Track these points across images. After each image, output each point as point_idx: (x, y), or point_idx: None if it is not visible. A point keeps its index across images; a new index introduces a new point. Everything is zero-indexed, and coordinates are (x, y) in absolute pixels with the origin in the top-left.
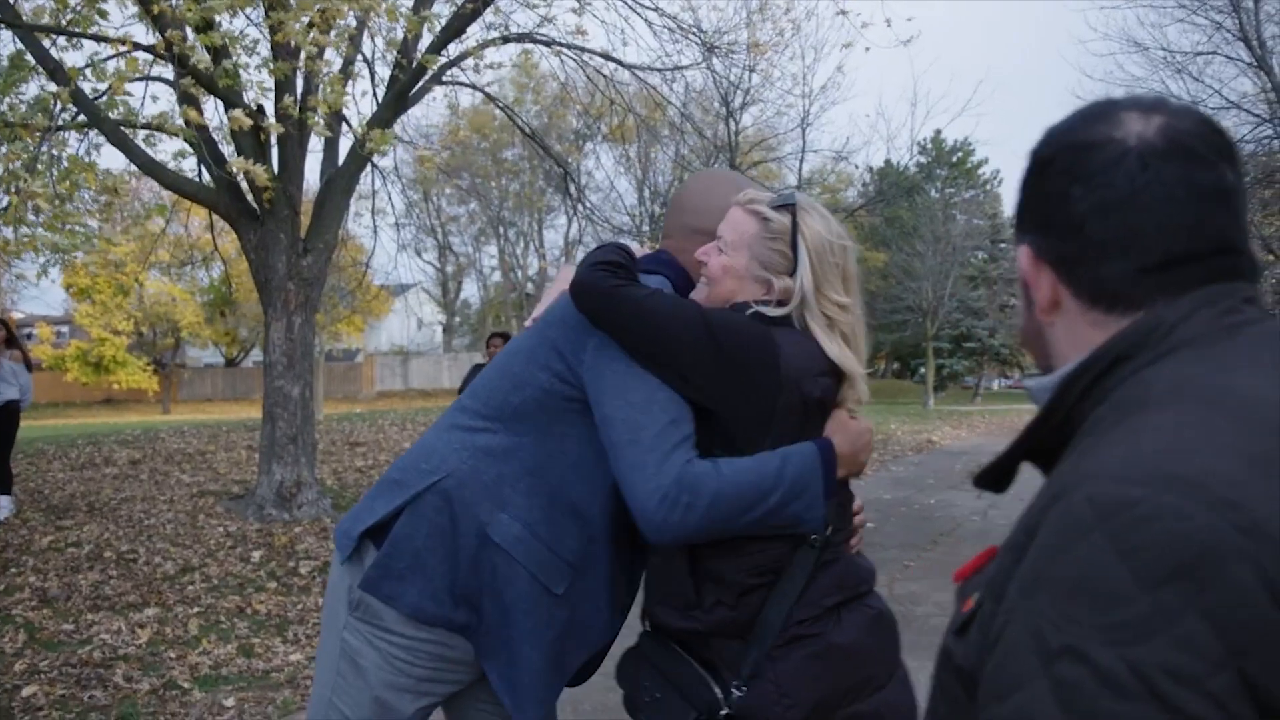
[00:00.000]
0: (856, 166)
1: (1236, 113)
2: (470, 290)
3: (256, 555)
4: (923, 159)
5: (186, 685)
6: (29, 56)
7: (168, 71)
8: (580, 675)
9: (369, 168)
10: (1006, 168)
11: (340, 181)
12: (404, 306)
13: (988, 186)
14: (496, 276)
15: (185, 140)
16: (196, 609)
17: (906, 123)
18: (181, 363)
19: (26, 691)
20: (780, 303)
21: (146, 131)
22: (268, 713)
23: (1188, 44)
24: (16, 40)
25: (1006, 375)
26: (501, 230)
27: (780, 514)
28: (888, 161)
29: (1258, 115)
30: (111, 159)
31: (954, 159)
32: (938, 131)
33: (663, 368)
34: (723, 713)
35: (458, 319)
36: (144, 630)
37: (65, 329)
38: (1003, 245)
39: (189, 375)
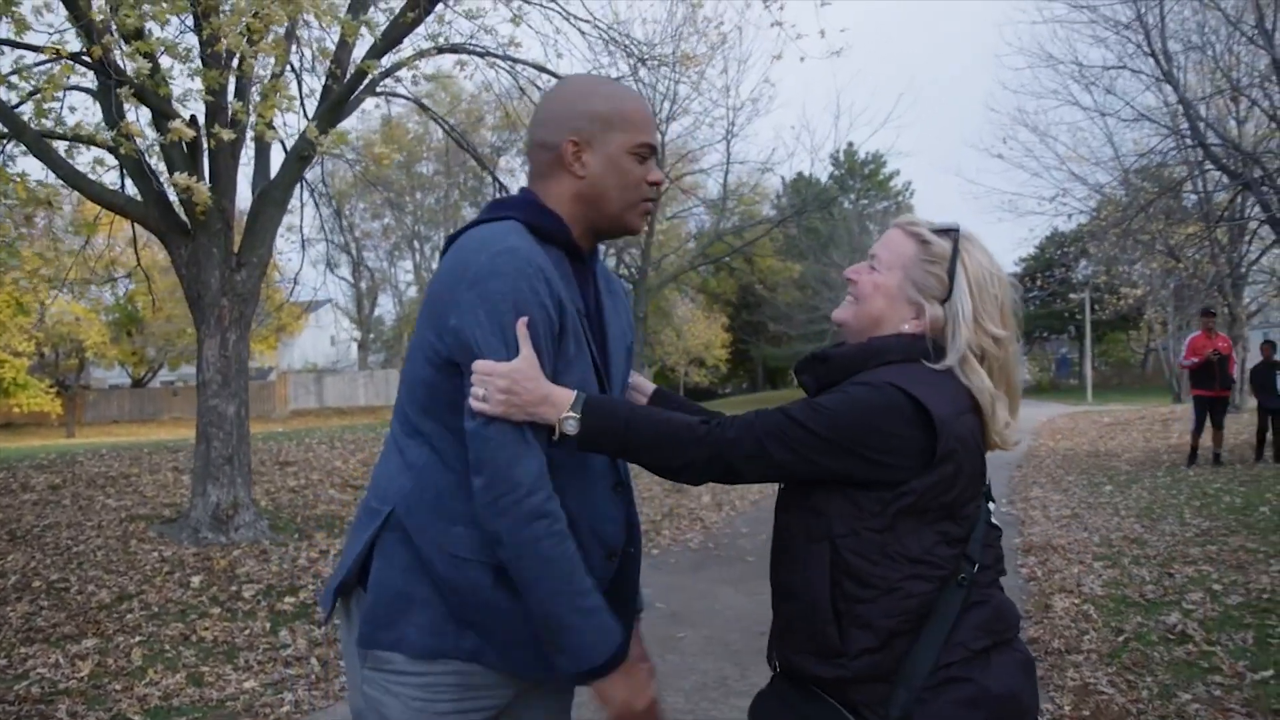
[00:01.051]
0: (783, 178)
1: (1143, 124)
2: (386, 306)
3: (196, 580)
4: (836, 171)
5: (136, 717)
6: None
7: (86, 80)
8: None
9: (301, 181)
10: (924, 178)
11: (274, 194)
12: (316, 323)
13: (900, 198)
14: (413, 291)
15: (123, 154)
16: (138, 638)
17: (830, 134)
18: (86, 384)
19: None
20: (931, 336)
21: (68, 143)
22: None
23: (1098, 58)
24: None
25: None
26: (417, 245)
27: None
28: (800, 174)
29: (1165, 126)
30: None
31: (866, 171)
32: (850, 144)
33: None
34: None
35: (372, 335)
36: (84, 662)
37: None
38: None
39: (94, 397)
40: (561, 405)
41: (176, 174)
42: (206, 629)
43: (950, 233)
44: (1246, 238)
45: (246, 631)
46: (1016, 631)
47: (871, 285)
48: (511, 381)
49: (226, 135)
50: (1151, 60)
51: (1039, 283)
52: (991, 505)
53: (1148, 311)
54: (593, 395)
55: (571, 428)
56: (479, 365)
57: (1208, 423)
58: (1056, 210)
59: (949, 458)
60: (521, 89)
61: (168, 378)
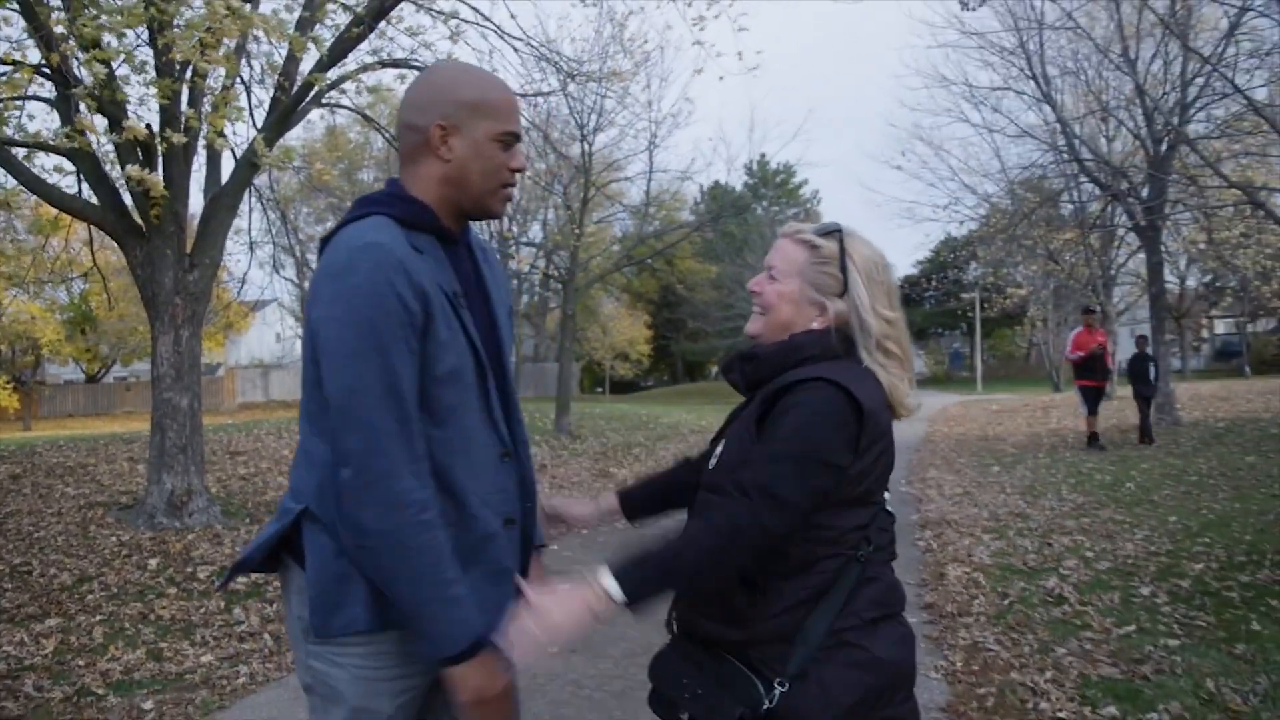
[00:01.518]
0: (701, 186)
1: (1027, 140)
2: None
3: (153, 563)
4: (750, 180)
5: (101, 691)
6: None
7: (45, 91)
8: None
9: (249, 187)
10: (831, 187)
11: (225, 199)
12: (263, 321)
13: (808, 205)
14: None
15: (78, 152)
16: (99, 617)
17: (745, 147)
18: (41, 380)
19: None
20: (837, 328)
21: (25, 149)
22: (188, 713)
23: (986, 80)
24: None
25: None
26: None
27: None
28: (717, 182)
29: (1045, 142)
30: None
31: (778, 180)
32: (763, 155)
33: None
34: (765, 708)
35: None
36: (48, 640)
37: None
38: None
39: (49, 392)
40: (602, 597)
41: (130, 167)
42: (164, 608)
43: (834, 233)
44: (1116, 243)
45: (202, 610)
46: (902, 608)
47: (775, 295)
48: (547, 627)
49: (178, 139)
50: (1033, 83)
51: (933, 283)
52: (886, 495)
53: (1030, 309)
54: (619, 563)
55: (622, 600)
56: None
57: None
58: (949, 217)
59: (873, 447)
60: None
61: (120, 373)
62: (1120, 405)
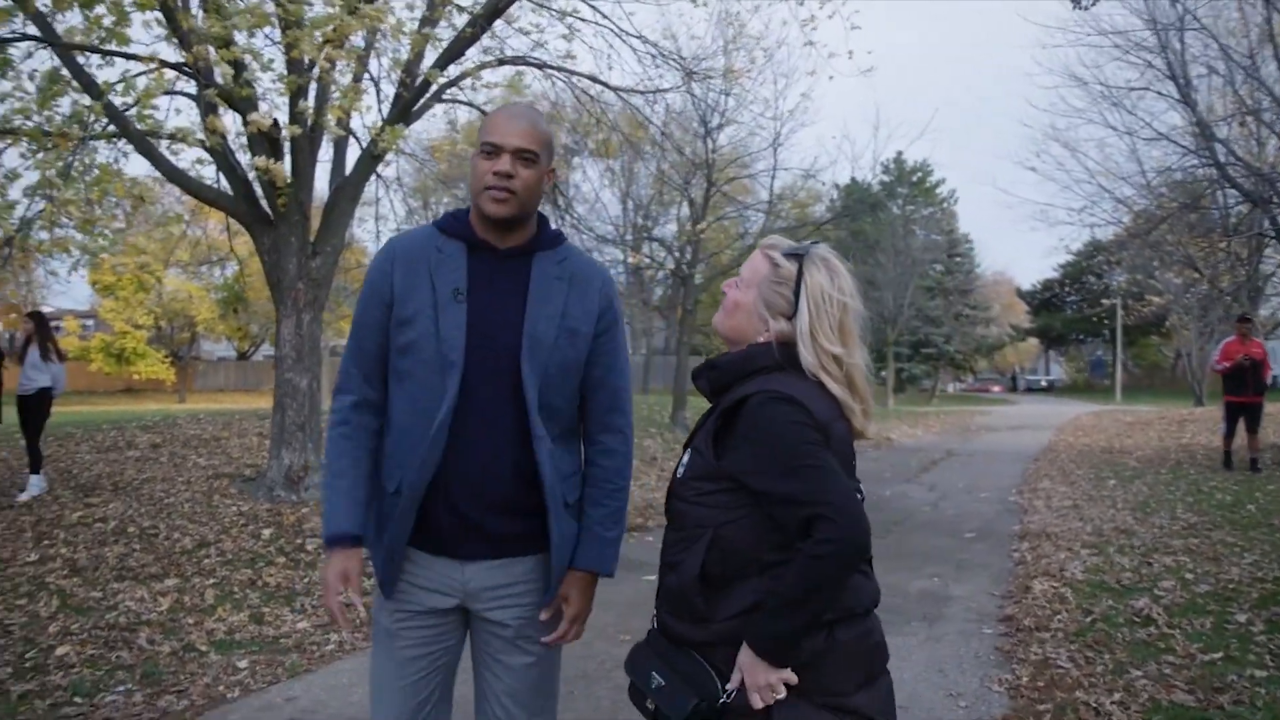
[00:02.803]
0: (824, 184)
1: (1165, 144)
2: None
3: (267, 533)
4: (885, 178)
5: (204, 648)
6: (64, 72)
7: (190, 87)
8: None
9: (374, 177)
10: (963, 188)
11: (348, 189)
12: None
13: (944, 204)
14: None
15: (209, 149)
16: (212, 580)
17: (870, 144)
18: (197, 355)
19: (60, 651)
20: (782, 344)
21: (169, 141)
22: (277, 674)
23: (1122, 80)
24: (54, 57)
25: (960, 379)
26: None
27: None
28: (853, 179)
29: (1184, 146)
30: (135, 166)
31: (914, 179)
32: (899, 153)
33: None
34: (721, 701)
35: None
36: (165, 599)
37: (90, 322)
38: (957, 259)
39: (203, 367)
40: (769, 666)
41: (257, 157)
42: (271, 575)
43: (798, 256)
44: (1262, 251)
45: (306, 580)
46: (867, 607)
47: (734, 302)
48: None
49: (293, 130)
50: (1172, 83)
51: (1070, 288)
52: (858, 495)
53: (1170, 318)
54: (754, 630)
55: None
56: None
57: (1240, 428)
58: (1083, 221)
59: (828, 445)
60: (577, 98)
61: (269, 352)
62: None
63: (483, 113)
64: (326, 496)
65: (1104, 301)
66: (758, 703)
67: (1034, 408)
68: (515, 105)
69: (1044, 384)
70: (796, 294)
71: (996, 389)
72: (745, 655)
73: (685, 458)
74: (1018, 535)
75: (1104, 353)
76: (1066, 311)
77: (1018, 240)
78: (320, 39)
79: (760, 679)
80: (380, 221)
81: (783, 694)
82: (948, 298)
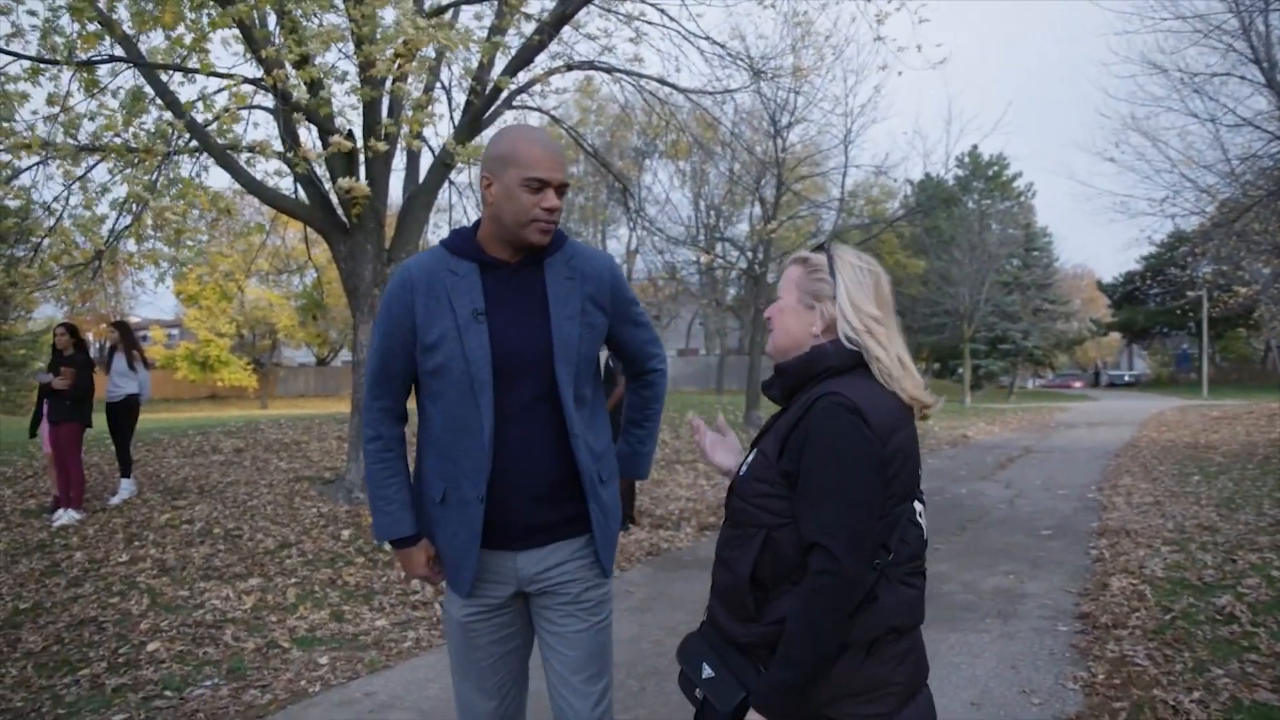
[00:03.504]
0: (895, 180)
1: (1250, 130)
2: None
3: (346, 534)
4: (960, 172)
5: (286, 645)
6: (148, 89)
7: (266, 100)
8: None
9: (446, 184)
10: (1040, 181)
11: (421, 197)
12: None
13: (1021, 198)
14: None
15: (292, 167)
16: (294, 580)
17: (942, 140)
18: (278, 362)
19: (151, 647)
20: (828, 330)
21: (249, 154)
22: (356, 670)
23: (1203, 65)
24: (138, 76)
25: (1039, 375)
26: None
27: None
28: (927, 174)
29: (1269, 132)
30: (215, 179)
31: (990, 173)
32: (974, 147)
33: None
34: None
35: None
36: (249, 597)
37: (175, 331)
38: (1035, 253)
39: (284, 373)
40: None
41: (341, 180)
42: (351, 575)
43: (823, 247)
44: None
45: (384, 579)
46: (913, 625)
47: (776, 311)
48: None
49: (380, 147)
50: (1256, 66)
51: (1153, 281)
52: (917, 505)
53: (1258, 309)
54: (758, 692)
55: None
56: None
57: None
58: (1165, 212)
59: (889, 463)
60: (646, 101)
61: (348, 358)
62: None
63: (554, 119)
64: (379, 505)
65: (1189, 293)
66: None
67: (1116, 403)
68: (542, 134)
69: (1127, 379)
70: (833, 275)
71: (1078, 385)
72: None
73: (750, 457)
74: (1096, 532)
75: (1189, 346)
76: (1149, 305)
77: (1098, 233)
78: (391, 53)
79: None
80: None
81: None
82: (1025, 292)
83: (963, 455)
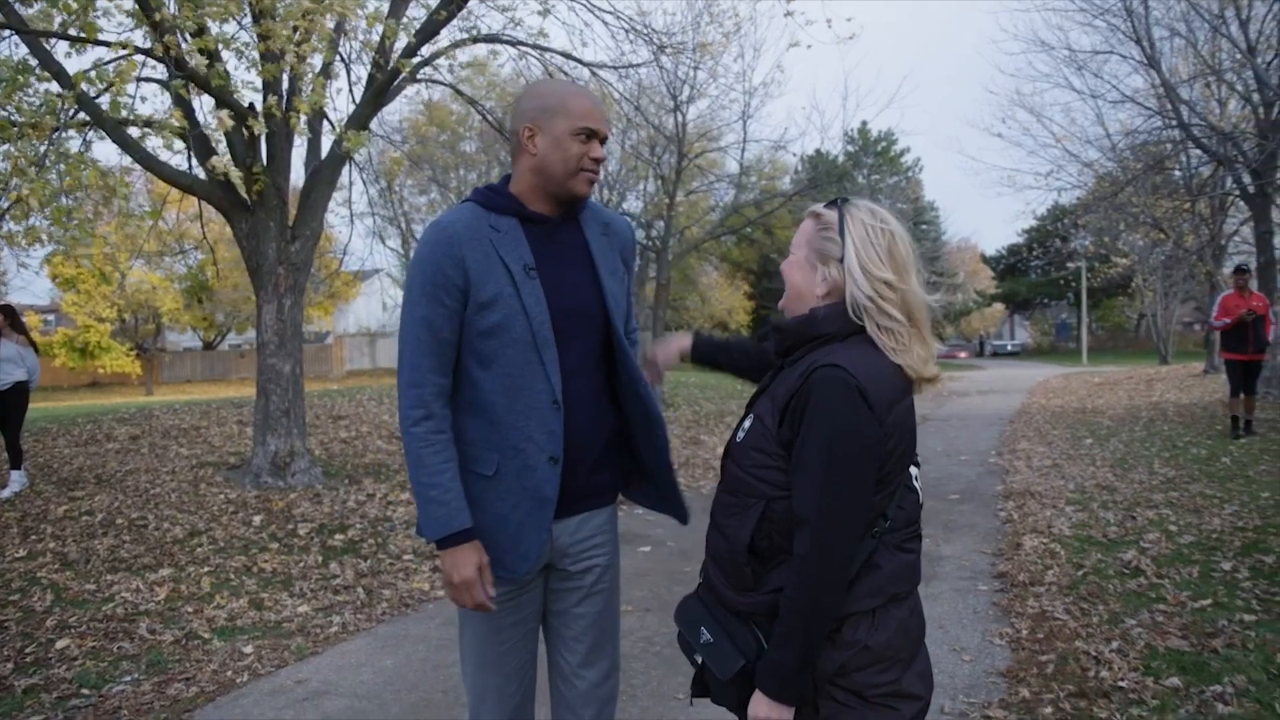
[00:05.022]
0: (794, 155)
1: (1131, 106)
2: None
3: (257, 519)
4: (850, 148)
5: (206, 635)
6: (32, 60)
7: (157, 72)
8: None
9: (348, 161)
10: (927, 156)
11: (324, 173)
12: (370, 290)
13: (909, 173)
14: None
15: (179, 138)
16: (207, 568)
17: (839, 115)
18: (162, 347)
19: (60, 644)
20: (831, 294)
21: (143, 129)
22: (284, 658)
23: (1088, 44)
24: (20, 45)
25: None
26: None
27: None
28: (818, 150)
29: (1149, 108)
30: (105, 154)
31: (879, 148)
32: (864, 123)
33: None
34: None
35: None
36: (161, 588)
37: (52, 317)
38: (923, 226)
39: (169, 359)
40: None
41: (213, 158)
42: (266, 561)
43: (837, 204)
44: (1226, 210)
45: (301, 564)
46: (910, 589)
47: (788, 267)
48: None
49: (258, 126)
50: (1137, 46)
51: (1037, 253)
52: (913, 469)
53: (1135, 279)
54: (759, 673)
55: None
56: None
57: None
58: (1050, 185)
59: (886, 438)
60: (550, 75)
61: (235, 341)
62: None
63: (457, 91)
64: (431, 495)
65: (1069, 265)
66: None
67: (1003, 371)
68: (584, 87)
69: (1010, 348)
70: (842, 234)
71: (963, 355)
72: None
73: (747, 422)
74: (1002, 495)
75: (1068, 316)
76: (1031, 276)
77: (985, 206)
78: (292, 28)
79: (761, 713)
80: (347, 206)
81: None
82: None
83: None
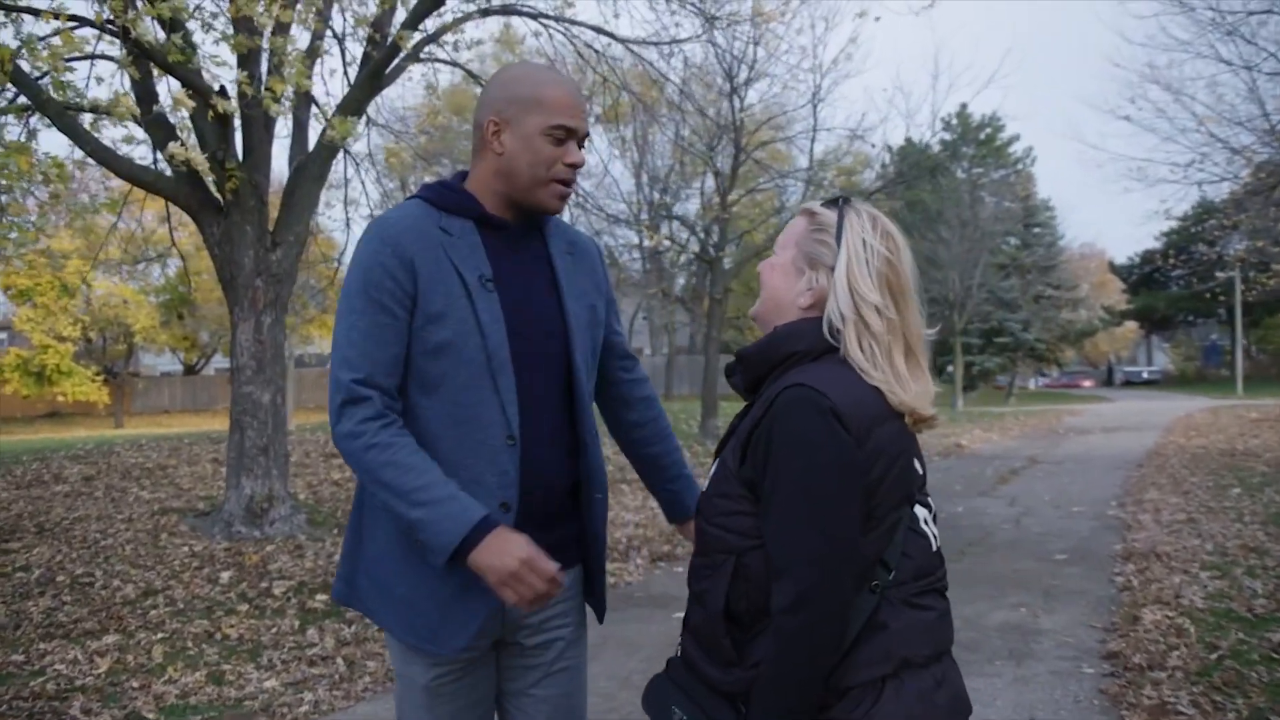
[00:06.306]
0: (874, 146)
1: None
2: None
3: (225, 576)
4: (947, 136)
5: (151, 716)
6: None
7: (114, 49)
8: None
9: (342, 154)
10: (1040, 145)
11: (311, 169)
12: None
13: (1019, 166)
14: None
15: (137, 124)
16: (161, 635)
17: (928, 97)
18: (135, 371)
19: None
20: (816, 306)
21: (94, 116)
22: None
23: (1239, 2)
24: None
25: (1043, 373)
26: None
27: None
28: (908, 140)
29: None
30: (53, 146)
31: (981, 136)
32: (963, 106)
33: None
34: None
35: None
36: (103, 659)
37: (3, 335)
38: (1036, 230)
39: (144, 385)
40: None
41: (171, 144)
42: (232, 626)
43: (838, 204)
44: None
45: (273, 629)
46: (935, 651)
47: (768, 268)
48: None
49: (223, 106)
50: None
51: (1176, 261)
52: (920, 511)
53: None
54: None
55: None
56: None
57: None
58: (1190, 178)
59: (870, 465)
60: (579, 52)
61: (221, 364)
62: None
63: (468, 73)
64: (434, 496)
65: (1218, 275)
66: None
67: (1135, 404)
68: (561, 73)
69: (1146, 376)
70: (839, 239)
71: (1087, 384)
72: None
73: (713, 469)
74: (1120, 556)
75: (1219, 337)
76: (1171, 289)
77: (1110, 206)
78: None
79: None
80: (351, 206)
81: None
82: (1025, 276)
83: (957, 467)
